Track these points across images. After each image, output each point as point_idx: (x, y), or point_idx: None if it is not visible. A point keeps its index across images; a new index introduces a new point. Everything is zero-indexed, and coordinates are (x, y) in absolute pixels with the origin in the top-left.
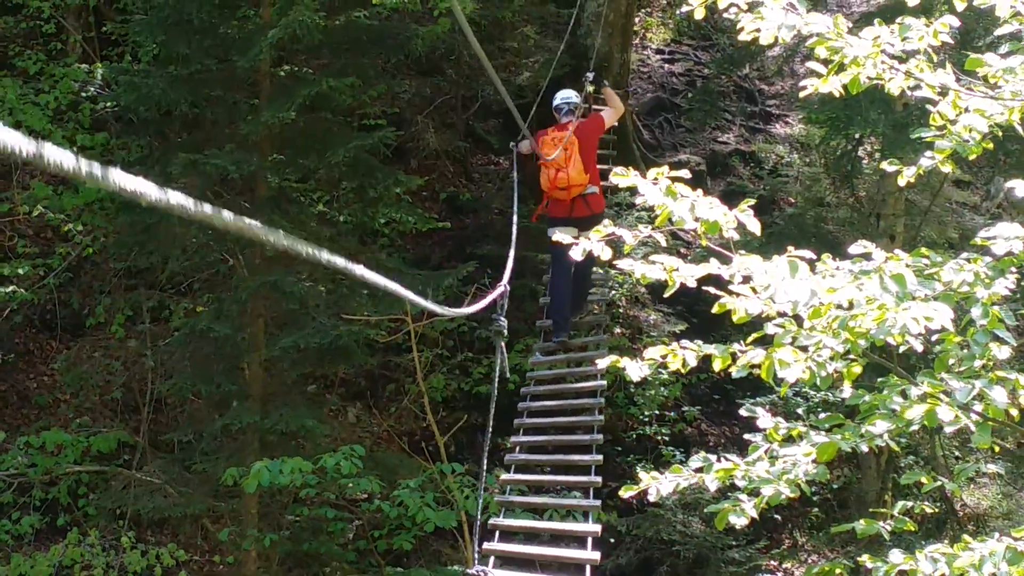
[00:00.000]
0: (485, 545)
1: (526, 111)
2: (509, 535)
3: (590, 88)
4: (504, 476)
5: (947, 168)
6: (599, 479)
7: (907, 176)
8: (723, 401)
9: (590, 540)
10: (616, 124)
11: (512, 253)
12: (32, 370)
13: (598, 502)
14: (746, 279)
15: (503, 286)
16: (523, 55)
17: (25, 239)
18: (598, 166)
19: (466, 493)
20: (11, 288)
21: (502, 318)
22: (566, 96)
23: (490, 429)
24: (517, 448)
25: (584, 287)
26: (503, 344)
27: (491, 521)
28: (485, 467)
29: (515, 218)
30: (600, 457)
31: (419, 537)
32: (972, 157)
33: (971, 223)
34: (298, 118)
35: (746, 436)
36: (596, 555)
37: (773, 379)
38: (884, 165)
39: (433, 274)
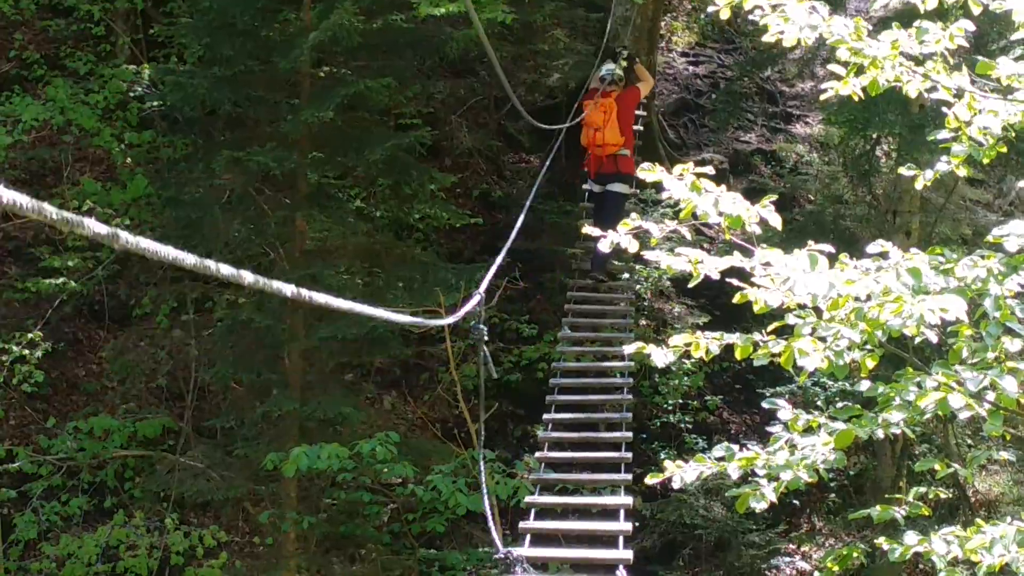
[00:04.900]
0: (521, 524)
1: (556, 111)
2: (544, 513)
3: (623, 62)
4: (538, 454)
5: (962, 172)
6: (629, 455)
7: (924, 180)
8: (745, 390)
9: (622, 512)
10: (649, 95)
11: (501, 255)
12: (81, 358)
13: (629, 476)
14: (767, 272)
15: (478, 295)
16: (553, 57)
17: (74, 234)
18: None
19: (496, 479)
20: (61, 279)
21: (481, 326)
22: (610, 68)
23: (482, 425)
24: (546, 445)
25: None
26: (486, 349)
27: (526, 499)
28: (483, 459)
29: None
30: (630, 434)
31: (451, 520)
32: (986, 162)
33: (984, 220)
34: (337, 117)
35: (767, 428)
36: (628, 526)
37: (793, 367)
38: (902, 170)
39: (466, 267)
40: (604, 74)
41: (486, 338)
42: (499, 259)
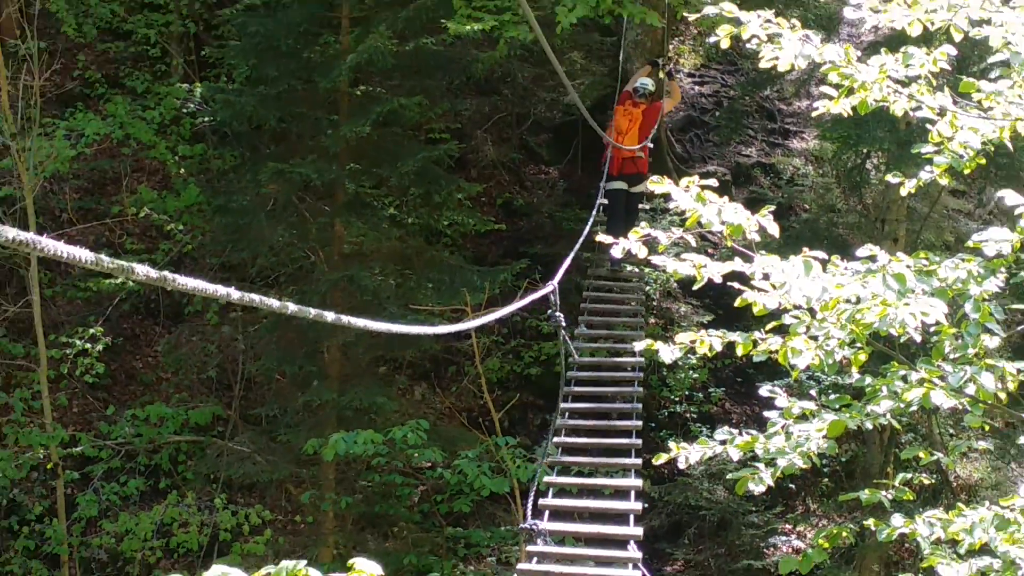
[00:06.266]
0: (541, 501)
1: (573, 129)
2: (561, 492)
3: (663, 75)
4: (556, 439)
5: (944, 181)
6: (640, 441)
7: (908, 187)
8: (745, 384)
9: (633, 493)
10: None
11: (572, 253)
12: (138, 352)
13: (639, 461)
14: (766, 276)
15: (552, 284)
16: (571, 78)
17: (133, 237)
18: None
19: (518, 463)
20: (120, 280)
21: (558, 313)
22: (644, 82)
23: (558, 413)
24: (563, 431)
25: (632, 223)
26: (565, 334)
27: (545, 479)
28: (547, 443)
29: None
30: (640, 423)
31: (476, 501)
32: (967, 172)
33: (965, 228)
34: (372, 132)
35: (765, 414)
36: (639, 506)
37: (788, 364)
38: (889, 177)
39: (490, 270)
40: (638, 86)
41: (564, 323)
42: (570, 256)
